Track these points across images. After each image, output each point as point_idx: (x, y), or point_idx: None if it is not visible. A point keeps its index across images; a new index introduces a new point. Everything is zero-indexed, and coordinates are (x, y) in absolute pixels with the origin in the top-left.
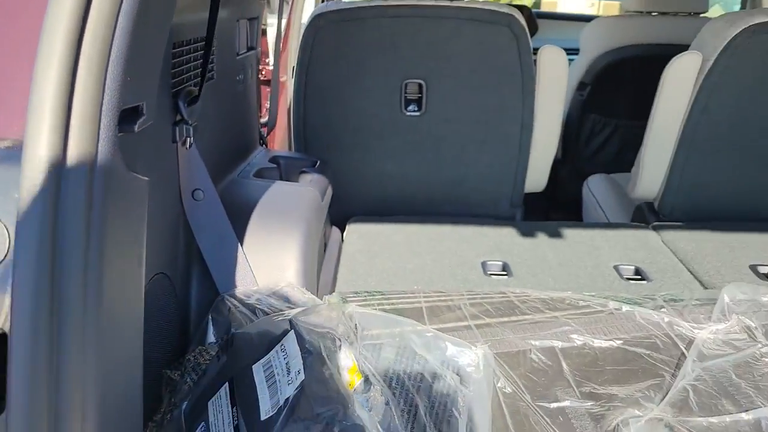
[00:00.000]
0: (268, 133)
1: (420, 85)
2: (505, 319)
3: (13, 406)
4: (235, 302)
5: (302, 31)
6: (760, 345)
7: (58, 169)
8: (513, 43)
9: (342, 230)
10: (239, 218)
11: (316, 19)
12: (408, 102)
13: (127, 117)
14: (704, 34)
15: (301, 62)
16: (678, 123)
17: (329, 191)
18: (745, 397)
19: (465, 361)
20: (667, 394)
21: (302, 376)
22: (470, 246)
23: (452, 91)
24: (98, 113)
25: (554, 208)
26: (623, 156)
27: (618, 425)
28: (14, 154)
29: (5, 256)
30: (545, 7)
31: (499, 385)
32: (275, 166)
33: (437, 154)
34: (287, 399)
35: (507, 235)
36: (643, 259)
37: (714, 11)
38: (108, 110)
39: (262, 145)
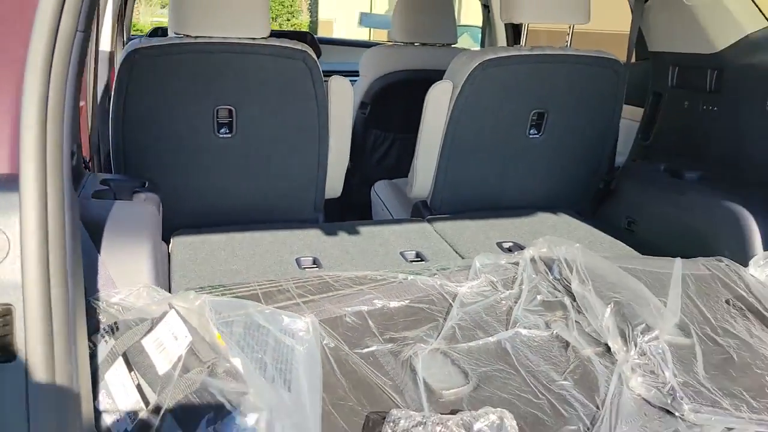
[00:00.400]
0: (90, 159)
1: (230, 111)
2: (324, 295)
3: (19, 357)
4: (102, 303)
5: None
6: (499, 293)
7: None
8: (307, 73)
9: (168, 244)
10: (93, 233)
11: (132, 53)
12: (220, 125)
13: None
14: (453, 66)
15: (118, 91)
16: (440, 134)
17: (161, 207)
18: (491, 327)
19: (297, 328)
20: (441, 331)
21: (190, 338)
22: (284, 246)
23: (259, 114)
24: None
25: (349, 211)
26: (401, 164)
27: (410, 356)
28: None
29: (6, 255)
30: (322, 30)
31: (324, 342)
32: (108, 187)
33: (248, 170)
34: (180, 356)
35: (314, 235)
36: (421, 246)
37: (463, 40)
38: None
39: (86, 169)
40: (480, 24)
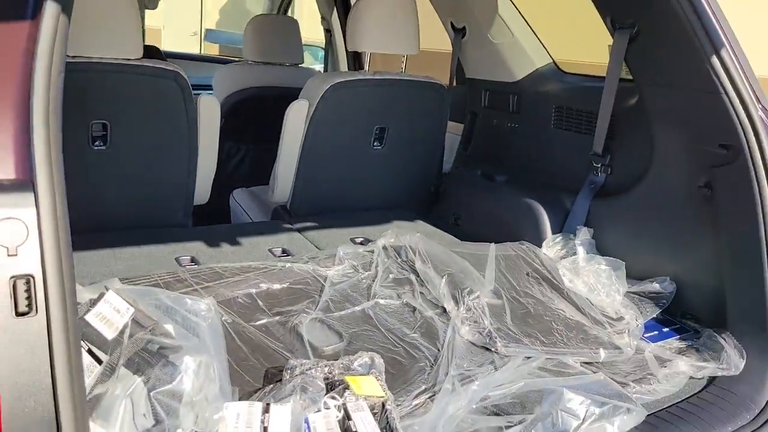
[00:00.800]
0: None
1: (104, 125)
2: (216, 282)
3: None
4: None
5: None
6: (360, 274)
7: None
8: (179, 92)
9: None
10: None
11: None
12: (94, 139)
13: None
14: (308, 87)
15: None
16: (298, 146)
17: None
18: (356, 299)
19: (200, 308)
20: (317, 305)
21: (132, 311)
22: (162, 248)
23: (132, 129)
24: None
25: (208, 218)
26: (255, 173)
27: (296, 324)
28: None
29: (26, 239)
30: (150, 38)
31: (223, 318)
32: None
33: (123, 180)
34: (125, 324)
35: (188, 237)
36: (285, 243)
37: (306, 58)
38: None
39: None
40: (313, 40)
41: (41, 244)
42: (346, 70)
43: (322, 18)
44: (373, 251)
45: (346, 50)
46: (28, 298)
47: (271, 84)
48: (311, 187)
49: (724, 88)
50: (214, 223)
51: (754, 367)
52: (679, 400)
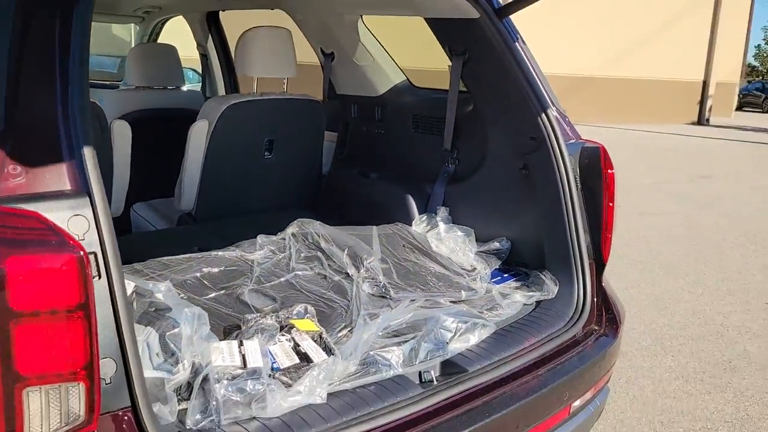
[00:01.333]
0: None
1: None
2: (166, 270)
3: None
4: None
5: None
6: (278, 255)
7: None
8: (96, 121)
9: None
10: None
11: None
12: None
13: None
14: (206, 108)
15: None
16: (201, 159)
17: None
18: (280, 274)
19: (163, 289)
20: (252, 279)
21: (134, 284)
22: None
23: None
24: None
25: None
26: (150, 187)
27: (238, 294)
28: None
29: (89, 228)
30: None
31: (180, 296)
32: None
33: None
34: (132, 293)
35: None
36: (201, 243)
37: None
38: None
39: None
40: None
41: (99, 231)
42: (223, 90)
43: (198, 44)
44: (284, 238)
45: (222, 73)
46: (97, 267)
47: (157, 106)
48: (214, 194)
49: (530, 97)
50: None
51: (564, 292)
52: (517, 318)
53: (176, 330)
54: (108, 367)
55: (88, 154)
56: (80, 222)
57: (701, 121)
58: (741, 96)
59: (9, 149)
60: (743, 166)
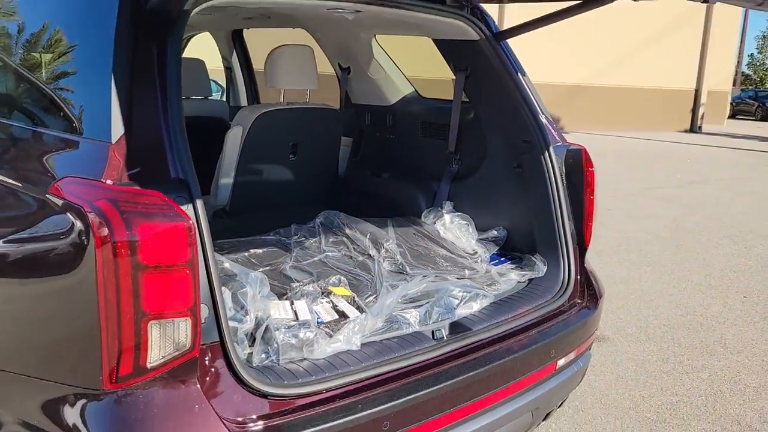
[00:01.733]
0: None
1: None
2: (220, 251)
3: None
4: None
5: None
6: (311, 240)
7: None
8: None
9: None
10: None
11: None
12: None
13: None
14: (240, 116)
15: None
16: (235, 161)
17: None
18: (313, 254)
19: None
20: (291, 259)
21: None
22: None
23: None
24: None
25: None
26: None
27: (281, 270)
28: None
29: (187, 207)
30: None
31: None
32: None
33: None
34: None
35: None
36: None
37: None
38: None
39: None
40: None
41: (195, 208)
42: (246, 100)
43: (223, 58)
44: (314, 226)
45: (245, 84)
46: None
47: (187, 114)
48: (246, 191)
49: (523, 106)
50: None
51: (551, 271)
52: (513, 293)
53: (244, 290)
54: (203, 311)
55: (183, 151)
56: (183, 201)
57: (693, 128)
58: (734, 104)
59: (131, 147)
60: (731, 173)
